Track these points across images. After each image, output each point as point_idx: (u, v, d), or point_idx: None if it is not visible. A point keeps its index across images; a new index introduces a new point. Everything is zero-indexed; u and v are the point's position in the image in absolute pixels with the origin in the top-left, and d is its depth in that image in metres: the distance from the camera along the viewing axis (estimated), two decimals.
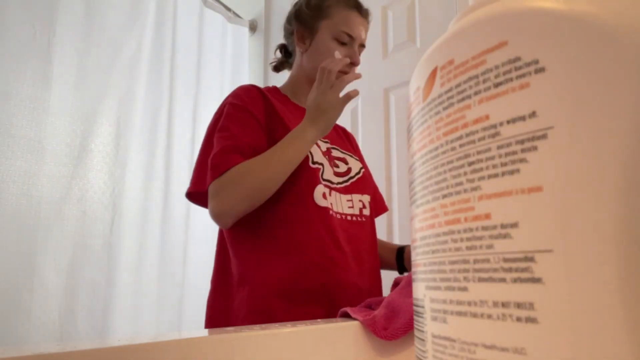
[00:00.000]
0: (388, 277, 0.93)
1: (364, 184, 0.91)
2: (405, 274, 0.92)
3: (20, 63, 1.21)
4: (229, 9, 1.96)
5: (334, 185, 0.85)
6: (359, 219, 0.86)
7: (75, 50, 1.33)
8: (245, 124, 0.80)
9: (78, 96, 1.33)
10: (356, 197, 0.88)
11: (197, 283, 1.51)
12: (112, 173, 1.38)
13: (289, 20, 0.95)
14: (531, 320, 0.13)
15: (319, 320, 0.47)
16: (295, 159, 0.75)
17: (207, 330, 0.38)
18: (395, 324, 0.45)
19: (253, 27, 2.09)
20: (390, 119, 1.58)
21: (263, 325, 0.40)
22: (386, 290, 0.80)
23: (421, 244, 0.18)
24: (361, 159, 0.99)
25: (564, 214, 0.13)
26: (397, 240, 1.50)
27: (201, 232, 1.60)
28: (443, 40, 0.18)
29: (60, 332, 1.19)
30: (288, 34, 0.96)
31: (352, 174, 0.90)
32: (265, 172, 0.74)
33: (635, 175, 0.12)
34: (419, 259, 0.19)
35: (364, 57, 1.67)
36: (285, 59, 1.00)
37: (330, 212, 0.80)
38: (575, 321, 0.12)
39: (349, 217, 0.84)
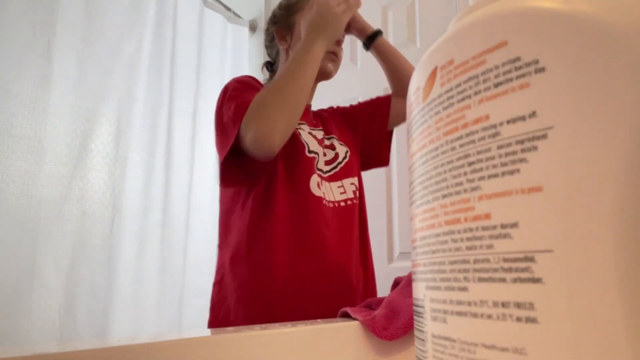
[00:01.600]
0: (388, 277, 0.93)
1: (351, 167, 0.93)
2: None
3: (20, 63, 1.21)
4: (229, 9, 1.95)
5: (324, 175, 0.87)
6: (354, 201, 0.89)
7: (75, 50, 1.33)
8: (253, 88, 0.82)
9: (78, 96, 1.32)
10: (347, 181, 0.90)
11: (197, 283, 1.51)
12: (112, 173, 1.38)
13: (267, 30, 0.98)
14: (531, 320, 0.13)
15: (319, 320, 0.47)
16: (313, 72, 0.77)
17: (207, 330, 0.38)
18: (395, 324, 0.45)
19: (253, 27, 2.09)
20: None
21: (263, 325, 0.40)
22: (383, 286, 0.81)
23: (421, 244, 0.18)
24: (354, 109, 1.00)
25: (564, 214, 0.13)
26: (397, 240, 1.50)
27: (201, 231, 1.60)
28: (443, 40, 0.18)
29: (60, 332, 1.19)
30: (269, 41, 0.98)
31: (339, 159, 0.92)
32: (290, 85, 0.74)
33: (635, 175, 0.12)
34: (419, 259, 0.19)
35: (364, 56, 1.67)
36: (273, 73, 1.01)
37: (324, 201, 0.82)
38: (575, 321, 0.12)
39: (342, 204, 0.87)
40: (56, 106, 1.27)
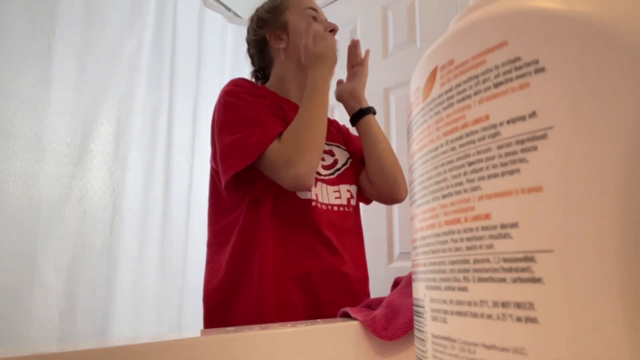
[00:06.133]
0: (388, 277, 0.93)
1: (351, 173, 0.93)
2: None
3: (20, 63, 1.21)
4: (229, 9, 1.95)
5: (321, 177, 0.87)
6: (346, 208, 0.89)
7: (75, 50, 1.33)
8: (255, 101, 0.83)
9: (78, 96, 1.32)
10: (344, 187, 0.90)
11: (197, 283, 1.50)
12: (112, 173, 1.38)
13: (254, 37, 0.96)
14: (531, 320, 0.13)
15: (319, 320, 0.47)
16: (326, 108, 0.82)
17: (206, 330, 0.38)
18: (395, 324, 0.45)
19: None
20: (390, 119, 1.58)
21: (263, 325, 0.40)
22: (383, 286, 0.81)
23: (421, 244, 0.18)
24: (354, 144, 0.99)
25: (564, 214, 0.13)
26: (397, 240, 1.50)
27: (201, 232, 1.60)
28: (443, 40, 0.18)
29: (60, 332, 1.19)
30: (259, 47, 0.97)
31: (338, 165, 0.92)
32: (313, 128, 0.78)
33: (635, 175, 0.12)
34: (419, 259, 0.19)
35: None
36: (266, 80, 1.00)
37: (314, 203, 0.83)
38: (575, 321, 0.12)
39: (334, 208, 0.87)
40: (56, 106, 1.27)
